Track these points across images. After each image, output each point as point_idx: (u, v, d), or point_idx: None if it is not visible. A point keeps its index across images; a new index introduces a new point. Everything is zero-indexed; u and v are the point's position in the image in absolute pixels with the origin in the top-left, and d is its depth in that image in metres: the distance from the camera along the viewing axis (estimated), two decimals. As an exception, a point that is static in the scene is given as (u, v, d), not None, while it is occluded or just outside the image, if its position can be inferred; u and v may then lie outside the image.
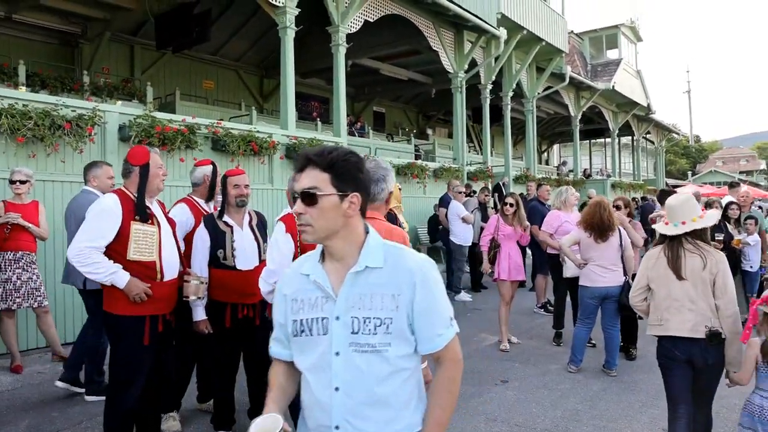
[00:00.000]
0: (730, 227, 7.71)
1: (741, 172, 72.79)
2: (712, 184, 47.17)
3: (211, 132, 7.65)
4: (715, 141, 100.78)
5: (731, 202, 8.11)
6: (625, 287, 5.82)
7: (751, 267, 7.74)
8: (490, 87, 15.04)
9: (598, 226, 5.74)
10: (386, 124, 20.57)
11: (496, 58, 14.73)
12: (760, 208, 16.16)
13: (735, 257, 7.37)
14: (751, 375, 3.35)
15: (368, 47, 14.32)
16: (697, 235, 3.58)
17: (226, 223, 3.94)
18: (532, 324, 8.02)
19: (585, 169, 26.07)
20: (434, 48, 13.04)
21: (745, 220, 7.83)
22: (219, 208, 4.01)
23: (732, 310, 3.44)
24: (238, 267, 3.88)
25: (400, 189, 8.49)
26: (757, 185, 55.92)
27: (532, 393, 5.27)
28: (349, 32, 10.50)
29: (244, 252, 3.91)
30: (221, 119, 9.12)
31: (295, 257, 3.41)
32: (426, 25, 12.64)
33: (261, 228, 4.14)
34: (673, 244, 3.63)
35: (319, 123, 14.85)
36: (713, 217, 3.71)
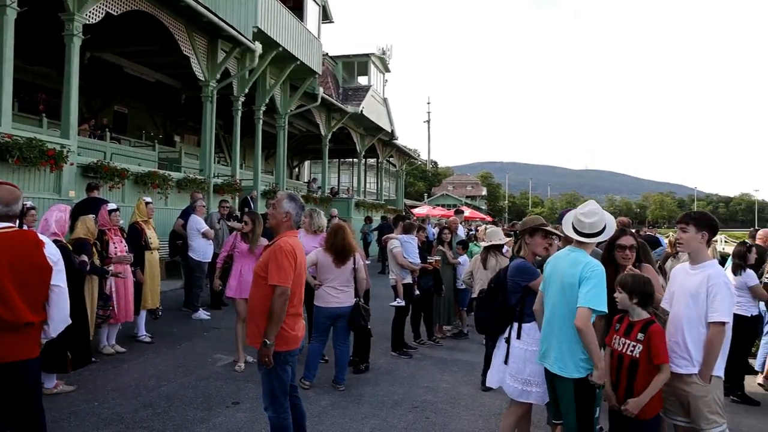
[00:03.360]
0: (445, 249, 8.71)
1: (467, 197, 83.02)
2: (443, 206, 52.83)
3: None
4: (448, 167, 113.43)
5: (444, 227, 9.18)
6: (356, 308, 6.14)
7: (463, 285, 8.80)
8: (242, 99, 14.92)
9: (342, 250, 5.99)
10: (129, 127, 19.05)
11: (251, 71, 14.67)
12: (477, 229, 18.46)
13: (439, 275, 8.35)
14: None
15: (112, 41, 13.20)
16: (495, 247, 6.88)
17: None
18: (270, 341, 8.02)
19: (332, 188, 27.25)
20: (185, 53, 12.52)
21: (457, 243, 8.92)
22: None
23: None
24: None
25: (149, 203, 7.89)
26: (479, 209, 64.14)
27: (262, 414, 5.19)
28: (88, 23, 9.55)
29: None
30: None
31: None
32: (177, 27, 12.09)
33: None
34: (485, 252, 6.89)
35: (45, 119, 13.14)
36: (501, 240, 7.04)
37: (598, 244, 4.25)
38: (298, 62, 16.32)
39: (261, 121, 16.34)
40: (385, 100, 26.56)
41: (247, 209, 12.43)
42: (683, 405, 3.66)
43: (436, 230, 12.04)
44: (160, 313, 8.00)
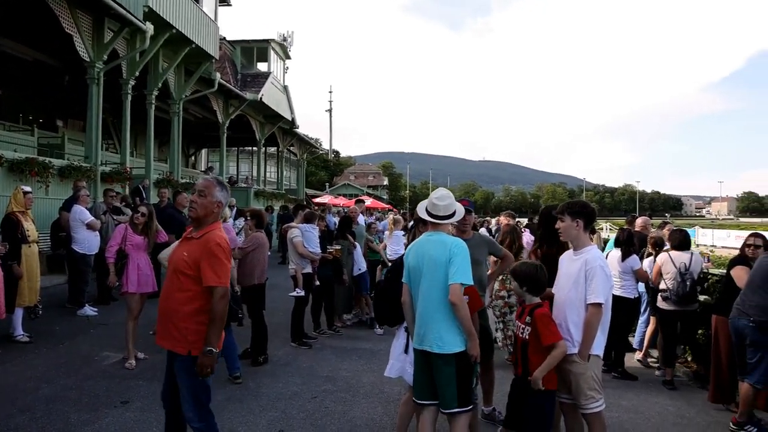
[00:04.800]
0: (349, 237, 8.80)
1: (369, 186, 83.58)
2: (345, 195, 52.91)
3: None
4: (350, 157, 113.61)
5: (346, 216, 9.28)
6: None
7: (360, 269, 8.84)
8: (133, 83, 14.14)
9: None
10: (2, 110, 17.50)
11: (142, 54, 13.92)
12: (379, 220, 18.71)
13: (339, 264, 8.40)
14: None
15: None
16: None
17: None
18: (163, 336, 7.68)
19: (231, 176, 26.50)
20: (67, 31, 11.67)
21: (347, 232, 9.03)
22: None
23: None
24: None
25: (27, 193, 7.27)
26: (380, 198, 64.78)
27: (154, 411, 5.01)
28: (-49, -7, 8.68)
29: None
30: None
31: None
32: (58, 3, 11.25)
33: None
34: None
35: None
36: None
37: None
38: (193, 45, 15.67)
39: (153, 107, 15.55)
40: (285, 87, 26.13)
41: (139, 199, 11.83)
42: (566, 383, 3.86)
43: (337, 219, 12.02)
44: (39, 311, 7.44)
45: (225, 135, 21.33)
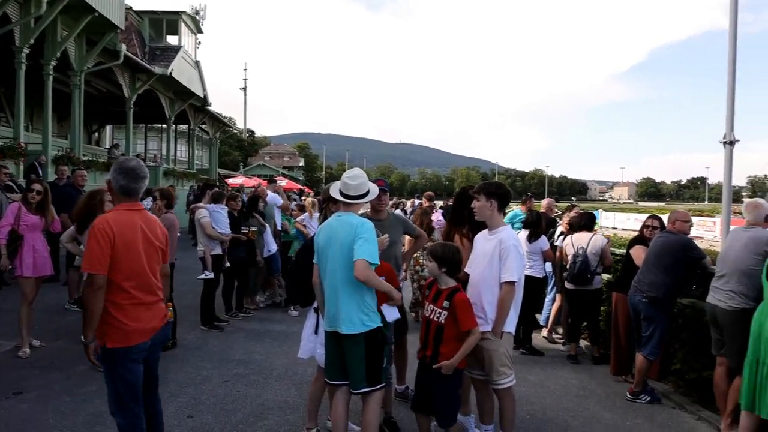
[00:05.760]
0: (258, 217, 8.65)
1: (285, 167, 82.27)
2: (260, 176, 51.82)
3: None
4: (265, 137, 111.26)
5: (255, 196, 9.10)
6: None
7: (269, 251, 8.70)
8: (27, 51, 13.11)
9: (81, 219, 5.45)
10: None
11: (37, 20, 12.92)
12: (295, 200, 18.49)
13: (253, 245, 8.27)
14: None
15: None
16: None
17: None
18: (61, 323, 7.26)
19: (138, 154, 25.28)
20: (-52, -9, 10.65)
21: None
22: None
23: None
24: None
25: None
26: (296, 179, 63.97)
27: (51, 401, 4.75)
28: None
29: None
30: None
31: None
32: (-63, -41, 10.21)
33: None
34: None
35: None
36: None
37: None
38: (96, 14, 14.65)
39: (51, 78, 14.48)
40: (197, 63, 25.14)
41: (35, 176, 11.04)
42: (479, 359, 3.93)
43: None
44: None
45: (132, 111, 20.24)
